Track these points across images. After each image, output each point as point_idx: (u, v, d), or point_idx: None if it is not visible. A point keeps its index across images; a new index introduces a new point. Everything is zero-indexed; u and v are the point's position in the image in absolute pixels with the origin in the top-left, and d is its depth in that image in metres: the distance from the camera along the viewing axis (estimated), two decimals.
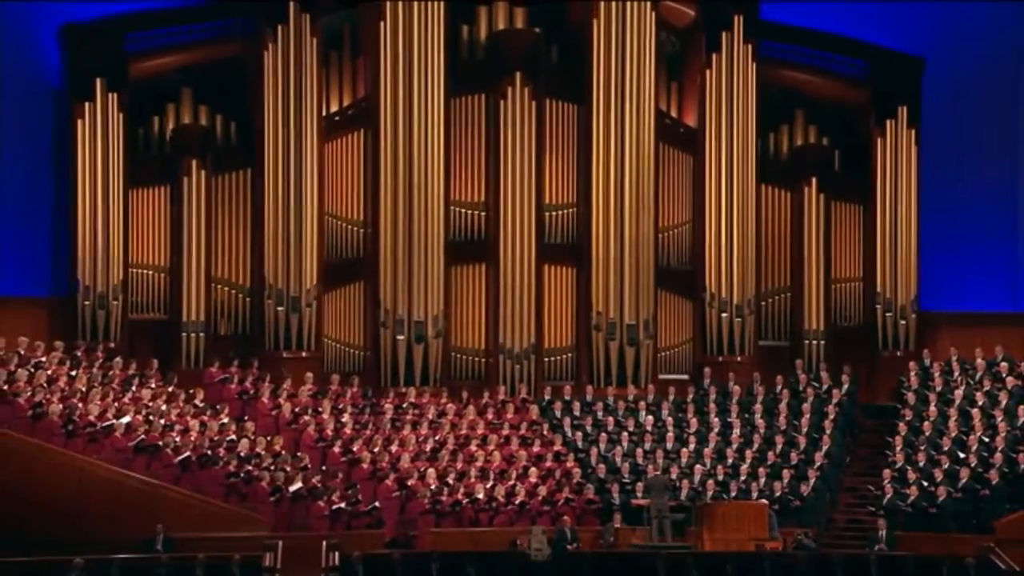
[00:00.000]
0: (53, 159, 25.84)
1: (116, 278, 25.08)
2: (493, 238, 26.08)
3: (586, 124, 26.32)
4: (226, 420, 23.10)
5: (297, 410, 23.84)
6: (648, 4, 26.21)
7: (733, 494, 23.23)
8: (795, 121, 27.49)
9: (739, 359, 26.40)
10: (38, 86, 25.83)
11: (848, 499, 24.44)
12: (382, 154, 25.80)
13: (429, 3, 25.76)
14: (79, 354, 23.52)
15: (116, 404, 22.32)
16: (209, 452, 22.00)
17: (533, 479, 23.15)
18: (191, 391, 23.62)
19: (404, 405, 24.58)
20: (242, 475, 21.83)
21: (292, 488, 21.90)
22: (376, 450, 23.25)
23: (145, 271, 25.59)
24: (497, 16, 26.69)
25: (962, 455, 23.18)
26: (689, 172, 26.92)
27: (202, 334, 25.29)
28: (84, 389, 22.40)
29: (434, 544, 21.69)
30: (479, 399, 24.93)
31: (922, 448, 23.72)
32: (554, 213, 26.47)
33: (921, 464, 23.35)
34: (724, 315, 26.51)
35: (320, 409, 24.00)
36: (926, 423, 24.26)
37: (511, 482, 22.99)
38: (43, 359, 22.77)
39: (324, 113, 25.95)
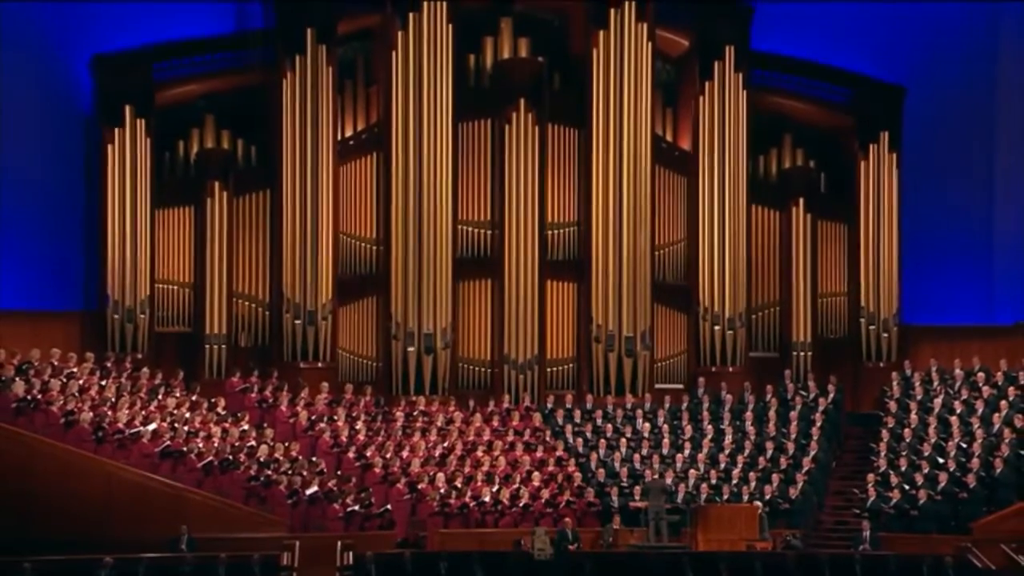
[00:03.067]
0: (85, 181, 25.94)
1: (143, 293, 25.15)
2: (498, 255, 26.14)
3: (586, 147, 26.39)
4: (246, 427, 23.13)
5: (313, 418, 23.90)
6: (645, 34, 26.27)
7: (726, 497, 23.22)
8: (783, 145, 27.58)
9: (731, 369, 26.44)
10: (71, 113, 25.97)
11: (834, 502, 24.47)
12: (394, 176, 25.88)
13: (438, 34, 25.84)
14: (108, 365, 23.65)
15: (143, 412, 22.37)
16: (230, 457, 22.06)
17: (536, 483, 23.19)
18: (213, 400, 23.68)
19: (414, 413, 24.64)
20: (261, 479, 21.88)
21: (308, 491, 21.95)
22: (388, 455, 23.30)
23: (170, 286, 25.64)
24: (502, 45, 26.79)
25: (941, 460, 23.19)
26: (684, 193, 26.99)
27: (224, 346, 25.34)
28: (113, 398, 22.46)
29: (442, 544, 21.73)
30: (485, 407, 24.99)
31: (904, 454, 23.75)
32: (556, 231, 26.53)
33: (903, 469, 23.38)
34: (717, 328, 26.57)
35: (335, 417, 24.05)
36: (907, 430, 24.32)
37: (515, 485, 23.03)
38: (75, 369, 22.83)
39: (339, 137, 26.03)
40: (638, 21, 26.25)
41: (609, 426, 24.89)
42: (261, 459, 22.27)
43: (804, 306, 26.86)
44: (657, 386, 26.15)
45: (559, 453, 24.11)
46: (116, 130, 25.18)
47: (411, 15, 25.79)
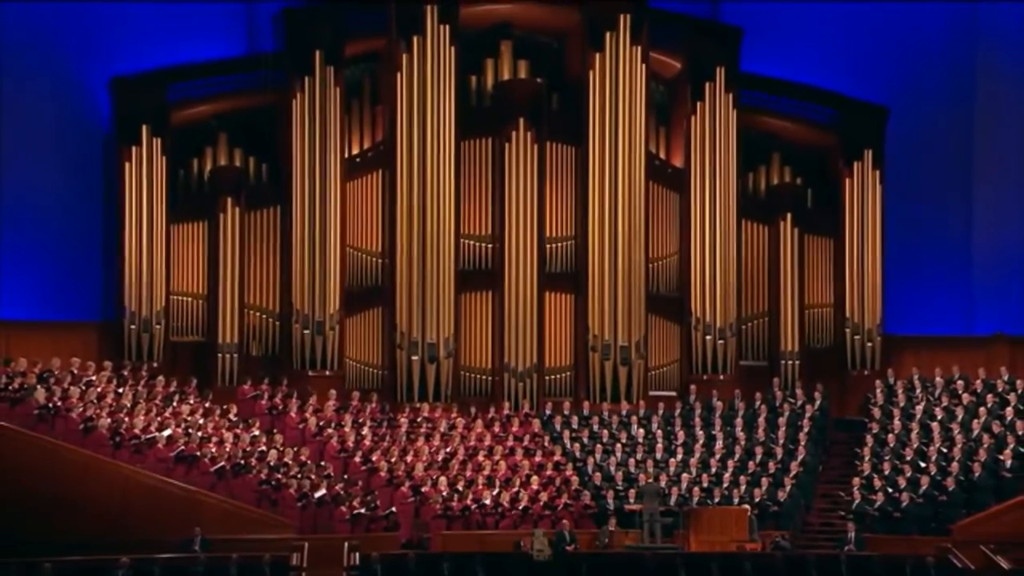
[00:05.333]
0: (103, 198, 25.99)
1: (159, 304, 25.24)
2: (499, 267, 26.20)
3: (583, 164, 26.45)
4: (257, 433, 23.19)
5: (321, 424, 23.96)
6: (639, 57, 26.37)
7: (717, 500, 23.25)
8: (772, 163, 27.62)
9: (722, 377, 26.47)
10: (90, 132, 26.03)
11: (821, 504, 24.47)
12: (399, 192, 25.96)
13: (441, 56, 25.94)
14: (125, 373, 23.71)
15: (158, 418, 22.47)
16: (242, 462, 22.12)
17: (535, 486, 23.22)
18: (226, 406, 23.75)
19: (418, 419, 24.67)
20: (272, 483, 21.94)
21: (317, 494, 22.02)
22: (393, 460, 23.34)
23: (185, 298, 25.72)
24: (503, 67, 26.87)
25: (923, 464, 23.26)
26: (676, 208, 27.04)
27: (236, 355, 25.39)
28: (130, 405, 22.54)
29: (445, 546, 21.76)
30: (486, 414, 25.02)
31: (887, 458, 23.79)
32: (554, 245, 26.58)
33: (886, 473, 23.43)
34: (708, 337, 26.63)
35: (342, 423, 24.10)
36: (891, 435, 24.36)
37: (515, 489, 23.06)
38: (93, 377, 22.93)
39: (346, 155, 26.11)
40: (633, 44, 26.37)
41: (605, 432, 24.94)
42: (271, 463, 22.33)
43: (792, 317, 26.92)
44: (651, 393, 26.18)
45: (557, 458, 24.13)
46: (133, 148, 25.28)
47: (415, 38, 25.90)
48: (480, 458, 23.80)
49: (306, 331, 25.57)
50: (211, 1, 26.70)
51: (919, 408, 24.84)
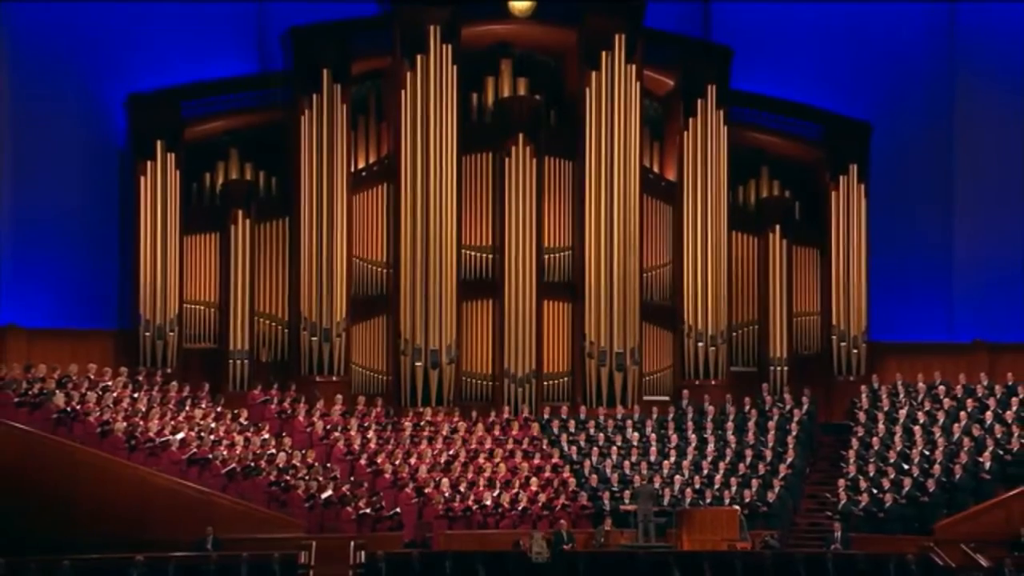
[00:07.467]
0: (119, 210, 26.10)
1: (172, 312, 25.33)
2: (499, 277, 26.30)
3: (580, 178, 26.56)
4: (267, 436, 23.28)
5: (328, 427, 24.04)
6: (633, 75, 26.49)
7: (708, 500, 23.31)
8: (761, 176, 27.74)
9: (713, 383, 26.58)
10: (107, 147, 26.16)
11: (808, 505, 24.58)
12: (403, 204, 26.07)
13: (443, 74, 26.06)
14: (140, 378, 23.79)
15: (172, 422, 22.55)
16: (252, 464, 22.20)
17: (534, 488, 23.31)
18: (237, 411, 23.82)
19: (421, 423, 24.74)
20: (281, 484, 22.03)
21: (324, 495, 22.10)
22: (397, 462, 23.42)
23: (197, 306, 25.79)
24: (503, 85, 26.99)
25: (906, 467, 23.36)
26: (669, 220, 27.15)
27: (246, 361, 25.48)
28: (145, 409, 22.64)
29: (447, 545, 21.81)
30: (487, 418, 25.10)
31: (872, 460, 23.88)
32: (552, 255, 26.69)
33: (871, 474, 23.52)
34: (700, 344, 26.74)
35: (348, 426, 24.16)
36: (875, 439, 24.47)
37: (515, 490, 23.13)
38: (110, 383, 23.03)
39: (352, 169, 26.23)
40: (627, 63, 26.50)
41: (601, 435, 25.02)
42: (280, 466, 22.42)
43: (780, 324, 27.02)
44: (645, 398, 26.26)
45: (555, 460, 24.22)
46: (148, 163, 25.39)
47: (419, 57, 26.04)
48: (481, 460, 23.88)
49: (314, 338, 25.67)
50: (223, 21, 26.84)
51: (902, 412, 24.94)
